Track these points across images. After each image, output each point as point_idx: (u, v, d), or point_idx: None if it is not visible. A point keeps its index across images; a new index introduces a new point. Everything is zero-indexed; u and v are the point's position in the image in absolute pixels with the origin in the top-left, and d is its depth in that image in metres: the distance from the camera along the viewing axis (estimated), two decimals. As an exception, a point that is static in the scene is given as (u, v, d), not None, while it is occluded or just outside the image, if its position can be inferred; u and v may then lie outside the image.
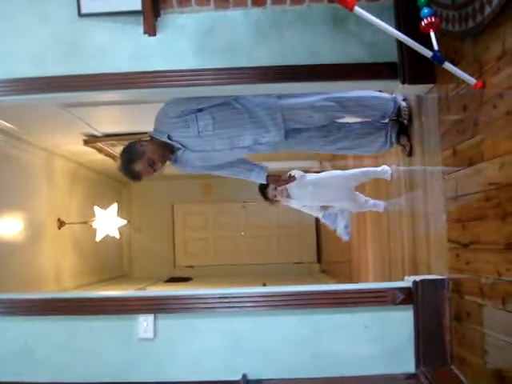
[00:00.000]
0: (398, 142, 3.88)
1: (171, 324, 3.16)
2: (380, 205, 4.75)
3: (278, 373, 3.05)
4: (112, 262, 9.53)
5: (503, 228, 2.37)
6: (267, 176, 4.02)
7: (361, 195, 4.84)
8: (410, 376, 3.02)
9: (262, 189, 4.52)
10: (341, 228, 4.64)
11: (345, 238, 4.78)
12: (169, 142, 3.57)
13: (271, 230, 10.23)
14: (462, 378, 2.88)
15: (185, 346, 3.13)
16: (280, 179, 4.11)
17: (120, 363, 3.14)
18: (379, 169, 4.60)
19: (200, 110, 3.53)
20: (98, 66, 3.26)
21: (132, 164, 3.57)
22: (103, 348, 3.16)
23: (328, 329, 3.11)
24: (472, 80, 2.53)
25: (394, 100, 3.81)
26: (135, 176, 3.63)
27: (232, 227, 10.39)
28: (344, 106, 3.74)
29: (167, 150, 3.62)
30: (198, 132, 3.53)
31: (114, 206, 7.56)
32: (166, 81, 3.25)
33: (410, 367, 3.05)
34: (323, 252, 10.12)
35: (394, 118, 3.87)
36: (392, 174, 4.45)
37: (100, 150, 6.93)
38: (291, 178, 4.14)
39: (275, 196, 4.49)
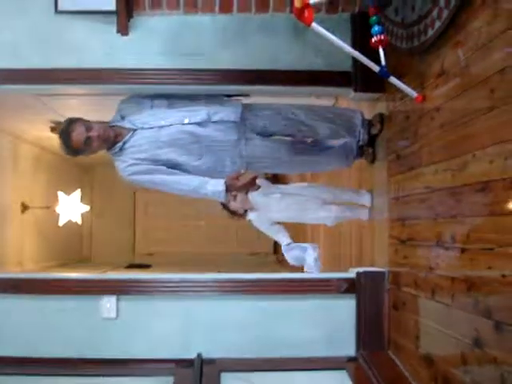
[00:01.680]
0: (362, 152, 3.74)
1: (132, 305, 3.38)
2: (364, 212, 3.83)
3: (229, 352, 3.29)
4: (72, 246, 9.64)
5: (435, 227, 2.67)
6: (225, 181, 3.44)
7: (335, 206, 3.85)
8: (350, 359, 3.30)
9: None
10: (310, 261, 3.69)
11: (315, 272, 3.72)
12: (119, 124, 3.43)
13: (230, 221, 10.40)
14: (397, 362, 3.18)
15: (145, 325, 3.36)
16: (238, 178, 3.49)
17: (84, 340, 3.35)
18: (359, 209, 3.86)
19: (158, 97, 3.55)
20: (72, 61, 3.45)
21: (72, 124, 3.34)
22: (69, 326, 3.37)
23: (277, 314, 3.37)
24: (414, 94, 2.82)
25: (361, 113, 3.72)
26: (67, 134, 3.32)
27: (192, 217, 10.54)
28: (313, 110, 3.63)
29: (113, 132, 3.39)
30: (151, 106, 3.49)
31: (78, 192, 7.68)
32: (136, 78, 3.46)
33: (351, 351, 3.34)
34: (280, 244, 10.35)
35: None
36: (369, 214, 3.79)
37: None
38: (253, 181, 3.57)
39: (228, 201, 3.64)
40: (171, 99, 3.53)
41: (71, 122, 3.36)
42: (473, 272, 2.29)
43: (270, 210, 3.73)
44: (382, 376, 3.01)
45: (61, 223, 7.56)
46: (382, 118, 3.52)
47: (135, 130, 3.38)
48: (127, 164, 3.38)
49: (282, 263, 10.07)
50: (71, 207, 7.57)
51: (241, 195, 3.60)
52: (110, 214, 10.23)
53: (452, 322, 2.50)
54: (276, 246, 10.63)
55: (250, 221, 3.78)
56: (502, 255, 2.06)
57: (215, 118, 3.40)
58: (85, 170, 9.99)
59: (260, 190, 3.69)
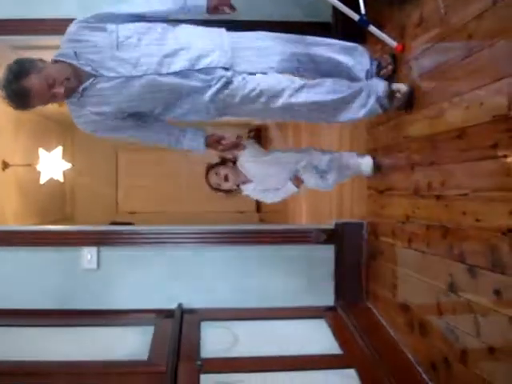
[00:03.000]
0: (392, 96, 2.83)
1: (114, 256, 3.40)
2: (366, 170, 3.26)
3: (210, 303, 3.34)
4: (55, 205, 9.61)
5: (412, 176, 2.69)
6: (206, 137, 2.86)
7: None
8: (329, 308, 3.36)
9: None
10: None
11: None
12: (75, 62, 2.51)
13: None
14: (375, 310, 3.24)
15: (126, 276, 3.39)
16: (222, 141, 2.86)
17: (65, 292, 3.38)
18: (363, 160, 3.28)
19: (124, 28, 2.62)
20: (49, 12, 3.40)
21: (24, 78, 2.41)
22: (50, 278, 3.39)
23: (257, 264, 3.42)
24: (393, 43, 2.81)
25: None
26: (23, 95, 2.44)
27: (176, 176, 10.53)
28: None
29: (74, 76, 2.52)
30: (117, 43, 2.55)
31: (59, 149, 7.63)
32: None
33: (330, 301, 3.40)
34: (262, 202, 10.40)
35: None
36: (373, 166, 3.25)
37: (46, 94, 6.93)
38: (239, 144, 2.91)
39: (218, 184, 3.24)
40: (142, 33, 2.62)
41: (22, 69, 2.45)
42: (448, 218, 2.32)
43: (265, 177, 3.25)
44: (360, 324, 3.07)
45: (42, 181, 7.52)
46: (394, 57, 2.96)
47: (96, 77, 2.56)
48: (89, 120, 2.69)
49: (265, 221, 10.16)
50: (52, 164, 7.52)
51: (232, 173, 3.20)
52: (92, 172, 10.19)
53: (427, 269, 2.55)
54: (258, 205, 10.69)
55: (247, 196, 3.36)
56: (476, 200, 2.10)
57: (200, 64, 2.65)
58: (67, 128, 9.90)
59: (247, 153, 3.17)
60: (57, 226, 3.62)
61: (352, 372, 2.58)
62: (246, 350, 2.84)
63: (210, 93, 2.69)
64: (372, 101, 2.81)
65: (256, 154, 3.24)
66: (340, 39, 3.31)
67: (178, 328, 3.02)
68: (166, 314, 3.24)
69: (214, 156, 3.21)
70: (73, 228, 3.52)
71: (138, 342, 2.95)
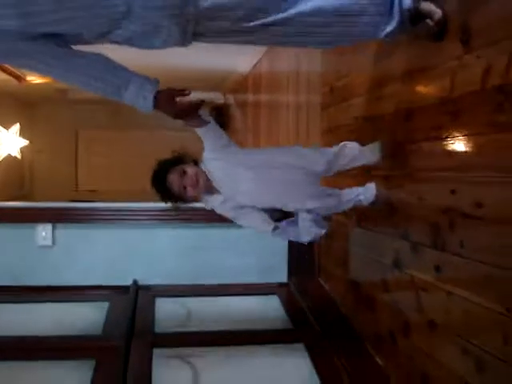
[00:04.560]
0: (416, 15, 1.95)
1: (69, 233, 3.41)
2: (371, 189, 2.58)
3: (165, 279, 3.38)
4: (13, 182, 9.50)
5: (362, 156, 2.75)
6: (157, 94, 1.90)
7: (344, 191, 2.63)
8: (282, 285, 3.44)
9: (159, 179, 2.26)
10: (304, 232, 2.48)
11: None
12: None
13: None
14: (326, 287, 3.32)
15: (81, 253, 3.41)
16: (177, 97, 1.99)
17: (21, 268, 3.38)
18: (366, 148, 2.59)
19: None
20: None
21: None
22: (5, 254, 3.39)
23: (212, 241, 3.46)
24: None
25: None
26: None
27: (137, 154, 10.45)
28: None
29: None
30: None
31: (16, 126, 7.56)
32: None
33: (283, 277, 3.47)
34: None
35: None
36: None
37: (4, 70, 6.83)
38: (196, 109, 2.11)
39: (184, 189, 2.22)
40: None
41: None
42: (395, 197, 2.40)
43: (239, 193, 2.34)
44: (311, 300, 3.14)
45: (-1, 158, 7.46)
46: None
47: None
48: None
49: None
50: (9, 141, 7.45)
51: (200, 174, 2.26)
52: (52, 150, 10.08)
53: (375, 247, 2.63)
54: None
55: (212, 209, 2.40)
56: (420, 180, 2.17)
57: None
58: (26, 105, 9.77)
59: (212, 145, 2.29)
60: (11, 203, 3.61)
61: (301, 346, 2.64)
62: (199, 326, 2.89)
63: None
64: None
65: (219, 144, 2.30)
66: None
67: (133, 304, 3.06)
68: (122, 290, 3.27)
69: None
70: (27, 204, 3.52)
71: (92, 318, 2.97)
